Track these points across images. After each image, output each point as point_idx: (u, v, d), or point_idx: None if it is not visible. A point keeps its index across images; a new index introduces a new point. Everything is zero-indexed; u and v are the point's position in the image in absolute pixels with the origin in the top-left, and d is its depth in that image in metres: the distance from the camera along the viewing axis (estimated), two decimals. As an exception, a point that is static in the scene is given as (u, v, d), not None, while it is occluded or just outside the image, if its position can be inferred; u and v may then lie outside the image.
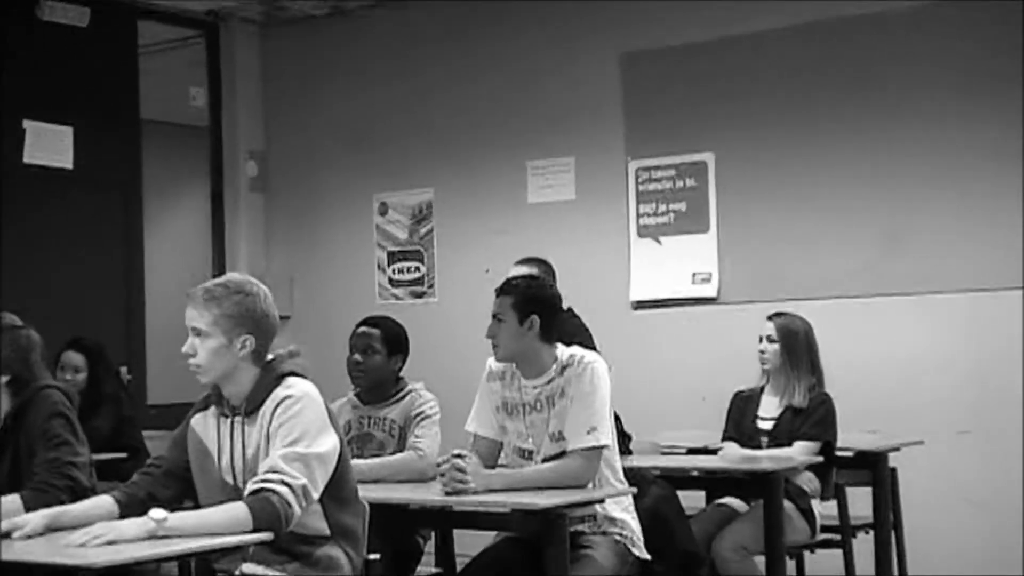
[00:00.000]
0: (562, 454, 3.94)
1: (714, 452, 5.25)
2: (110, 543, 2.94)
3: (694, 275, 6.80)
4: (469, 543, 4.29)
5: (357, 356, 4.63)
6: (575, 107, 7.24)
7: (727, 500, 5.15)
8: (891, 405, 6.15)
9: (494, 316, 4.06)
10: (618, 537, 3.99)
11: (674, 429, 5.81)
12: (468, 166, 7.57)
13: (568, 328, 5.10)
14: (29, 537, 3.09)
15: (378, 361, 4.62)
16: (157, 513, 3.04)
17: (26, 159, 7.27)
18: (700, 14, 6.82)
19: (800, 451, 4.99)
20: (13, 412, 3.59)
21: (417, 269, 7.80)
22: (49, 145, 7.35)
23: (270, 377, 3.31)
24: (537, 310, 4.00)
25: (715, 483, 5.10)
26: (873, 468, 5.32)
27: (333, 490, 3.27)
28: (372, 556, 3.42)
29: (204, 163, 8.47)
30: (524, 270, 5.37)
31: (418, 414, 4.55)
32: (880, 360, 6.29)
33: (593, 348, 4.68)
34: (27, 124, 7.27)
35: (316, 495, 3.20)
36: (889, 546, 5.39)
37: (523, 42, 7.44)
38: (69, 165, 7.43)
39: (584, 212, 7.03)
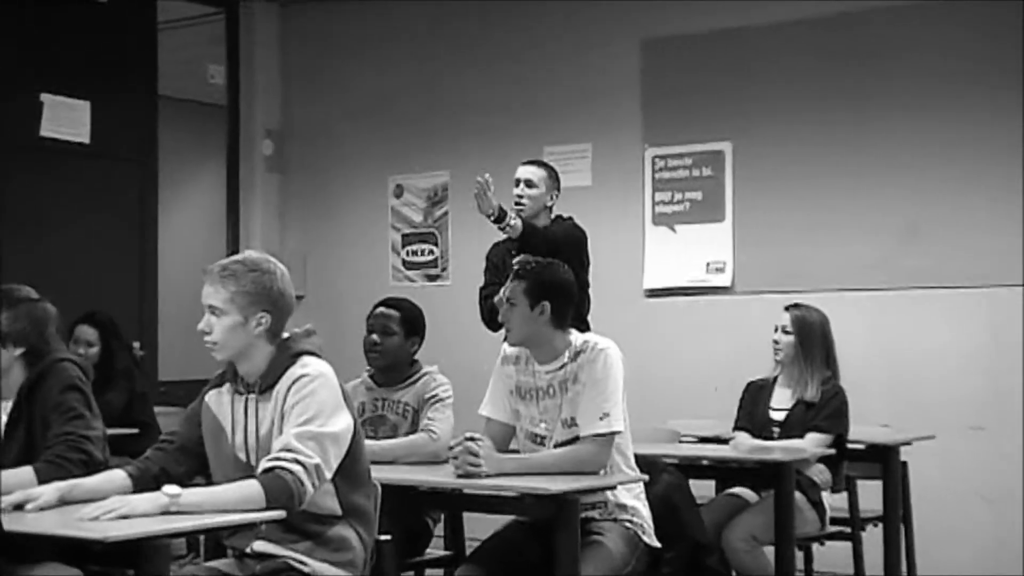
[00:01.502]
0: (574, 440, 3.94)
1: (725, 442, 5.24)
2: (123, 517, 2.95)
3: (708, 264, 6.79)
4: (479, 526, 4.29)
5: (374, 336, 4.63)
6: (593, 93, 7.23)
7: (737, 490, 5.14)
8: (904, 399, 6.15)
9: (507, 300, 4.05)
10: (628, 524, 3.99)
11: (686, 418, 5.80)
12: (485, 150, 7.56)
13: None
14: (42, 509, 3.10)
15: (395, 342, 4.62)
16: (170, 488, 3.05)
17: (43, 132, 7.28)
18: (722, 2, 6.80)
19: (812, 443, 4.97)
20: (28, 384, 3.60)
21: (431, 252, 7.80)
22: (66, 119, 7.36)
23: (285, 355, 3.31)
24: (549, 296, 3.99)
25: (726, 472, 5.09)
26: (884, 461, 5.31)
27: (346, 470, 3.27)
28: (383, 537, 3.42)
29: (221, 141, 8.48)
30: (533, 169, 5.43)
31: (432, 397, 4.56)
32: (894, 353, 6.28)
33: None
34: (45, 97, 7.27)
35: (329, 474, 3.21)
36: (898, 540, 5.39)
37: (543, 27, 7.42)
38: (86, 139, 7.44)
39: (600, 199, 7.02)
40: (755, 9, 6.69)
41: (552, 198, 5.49)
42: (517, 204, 5.42)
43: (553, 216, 5.51)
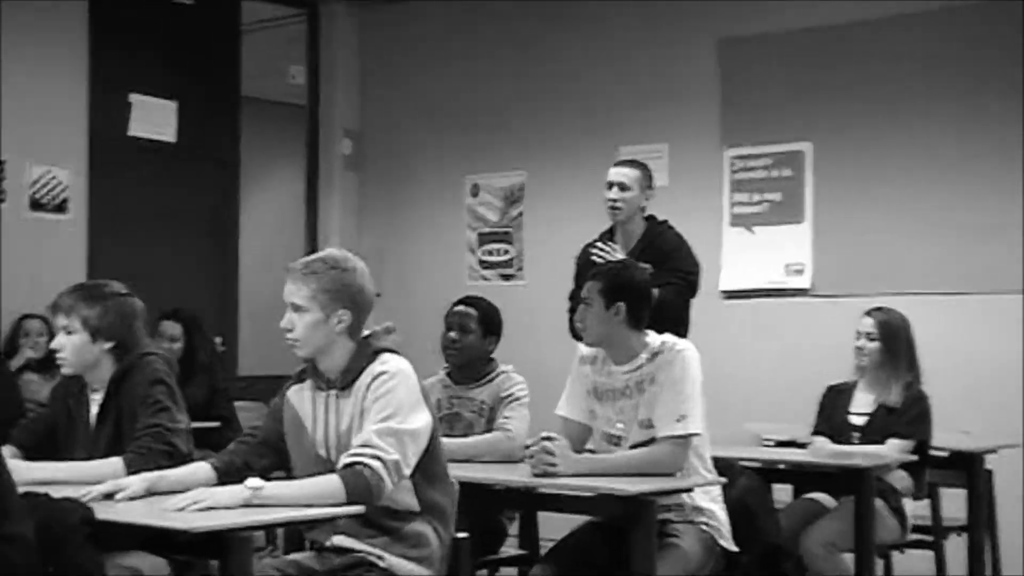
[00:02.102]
0: (651, 441, 3.93)
1: (803, 446, 5.20)
2: (207, 509, 3.00)
3: (787, 266, 6.75)
4: (554, 526, 4.30)
5: (452, 334, 4.67)
6: (670, 93, 7.21)
7: (816, 495, 5.09)
8: (987, 405, 6.05)
9: (583, 300, 4.06)
10: (704, 527, 3.97)
11: (763, 421, 5.77)
12: (561, 150, 7.58)
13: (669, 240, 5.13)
14: (130, 499, 3.17)
15: (473, 340, 4.66)
16: (253, 482, 3.09)
17: (131, 131, 7.41)
18: (800, 0, 6.75)
19: (893, 448, 4.91)
20: (116, 377, 3.67)
21: (507, 251, 7.82)
22: (153, 118, 7.49)
23: (365, 352, 3.34)
24: (624, 297, 3.99)
25: (804, 477, 5.05)
26: (968, 469, 5.21)
27: (424, 467, 3.30)
28: (460, 534, 3.44)
29: (301, 140, 8.57)
30: (626, 171, 5.38)
31: (508, 395, 4.58)
32: (977, 358, 6.19)
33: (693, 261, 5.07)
34: (133, 97, 7.41)
35: (408, 471, 3.23)
36: (983, 550, 5.29)
37: (620, 26, 7.42)
38: (172, 138, 7.57)
39: (677, 199, 6.97)
40: (834, 7, 6.63)
41: (647, 198, 5.42)
42: (612, 208, 5.36)
43: (646, 215, 5.45)
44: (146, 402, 3.58)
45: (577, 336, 5.31)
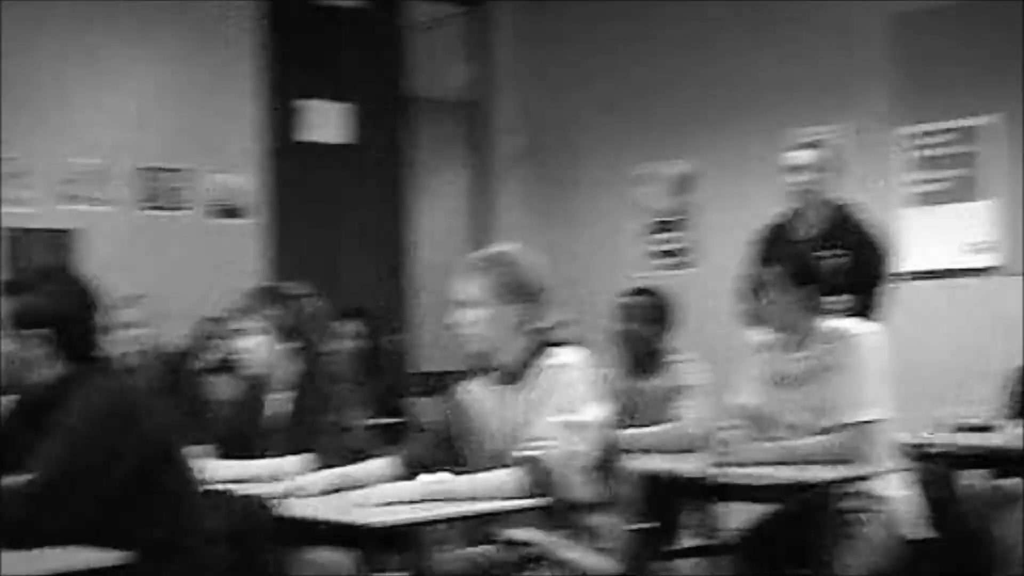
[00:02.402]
0: (832, 428, 3.86)
1: (993, 430, 5.03)
2: (387, 504, 3.04)
3: (970, 245, 6.53)
4: (734, 516, 4.25)
5: (626, 325, 4.65)
6: (842, 72, 7.04)
7: (1008, 480, 4.92)
8: None
9: (765, 286, 4.00)
10: (890, 515, 3.88)
11: (950, 405, 5.60)
12: (730, 136, 7.48)
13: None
14: (313, 496, 3.23)
15: (646, 331, 4.64)
16: (431, 477, 3.13)
17: (304, 135, 7.58)
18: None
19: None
20: (299, 377, 3.75)
21: (678, 240, 7.76)
22: (326, 121, 7.65)
23: (539, 346, 3.34)
24: (807, 280, 3.93)
25: (996, 462, 4.88)
26: None
27: (601, 458, 3.29)
28: (639, 525, 3.42)
29: (469, 137, 8.65)
30: (805, 154, 5.29)
31: (684, 385, 4.55)
32: None
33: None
34: (304, 102, 7.58)
35: (584, 463, 3.23)
36: None
37: (785, 8, 7.28)
38: (344, 141, 7.72)
39: (852, 180, 6.83)
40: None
41: (828, 181, 5.30)
42: (793, 193, 5.26)
43: (827, 197, 5.33)
44: (327, 400, 3.65)
45: (750, 321, 5.27)
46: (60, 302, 2.77)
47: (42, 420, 2.68)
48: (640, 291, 4.78)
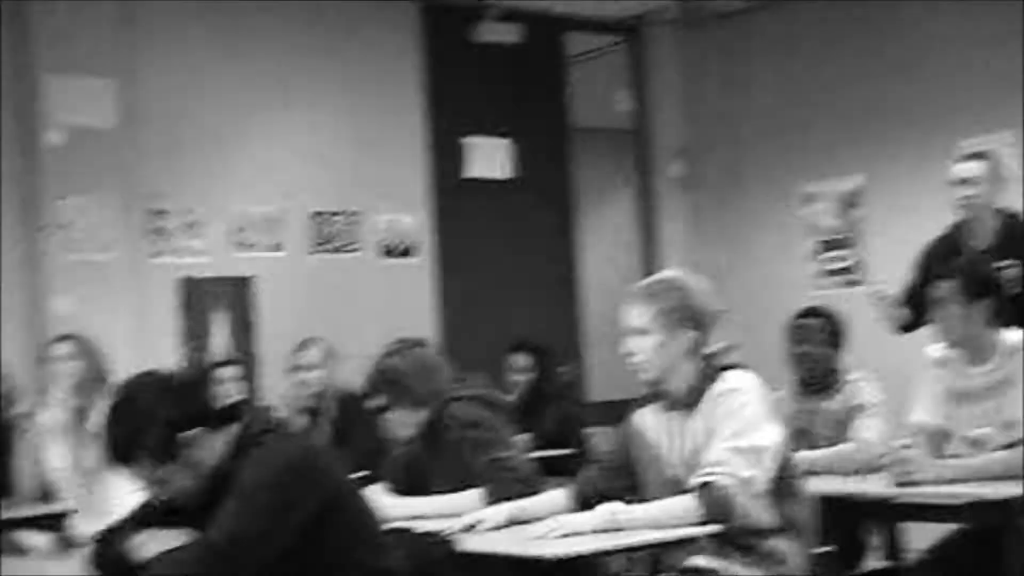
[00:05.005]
0: (1016, 443, 3.76)
1: None
2: (566, 535, 3.07)
3: None
4: (919, 536, 4.17)
5: (801, 346, 4.60)
6: (1009, 77, 6.86)
7: None
8: None
9: (938, 300, 3.93)
10: (1081, 531, 3.76)
11: None
12: (898, 149, 7.34)
13: None
14: (491, 530, 3.28)
15: (820, 351, 4.60)
16: (609, 506, 3.15)
17: (470, 173, 7.71)
18: None
19: None
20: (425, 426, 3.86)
21: (849, 257, 7.65)
22: (489, 158, 7.77)
23: (711, 370, 3.34)
24: (985, 293, 3.85)
25: None
26: None
27: (779, 482, 3.26)
28: (822, 549, 3.38)
29: (631, 165, 8.67)
30: (972, 165, 5.15)
31: (859, 404, 4.49)
32: None
33: None
34: (469, 140, 7.71)
35: (761, 487, 3.21)
36: None
37: (948, 15, 7.13)
38: (508, 176, 7.82)
39: (1022, 189, 6.66)
40: None
41: (997, 191, 5.16)
42: (962, 206, 5.15)
43: (997, 207, 5.21)
44: (468, 442, 3.70)
45: (906, 329, 5.18)
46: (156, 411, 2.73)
47: (217, 499, 2.71)
48: (811, 311, 4.74)
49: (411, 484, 3.94)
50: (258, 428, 2.79)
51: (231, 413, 2.80)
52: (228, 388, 6.08)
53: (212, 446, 2.75)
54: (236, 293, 6.89)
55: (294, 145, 7.18)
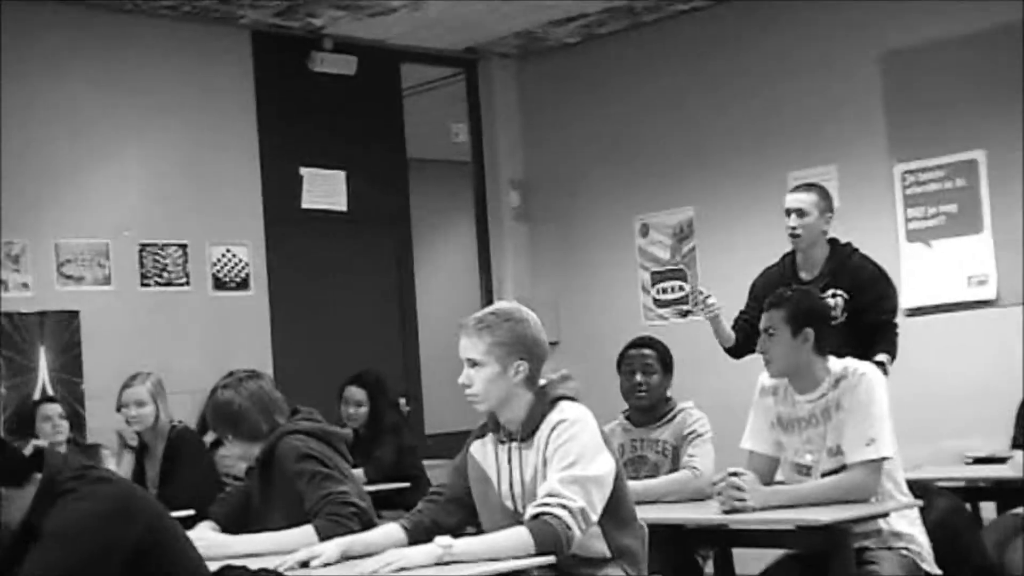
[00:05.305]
0: (842, 468, 3.86)
1: (1002, 460, 5.02)
2: (400, 569, 3.04)
3: (969, 278, 6.56)
4: (750, 562, 4.24)
5: (638, 377, 4.65)
6: (835, 113, 7.10)
7: (1019, 510, 4.91)
8: None
9: (765, 330, 4.01)
10: (905, 552, 3.87)
11: (957, 438, 5.59)
12: (728, 182, 7.52)
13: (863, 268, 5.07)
14: (325, 565, 3.23)
15: (657, 381, 4.65)
16: (443, 540, 3.13)
17: (304, 204, 7.63)
18: (963, 5, 6.59)
19: (1100, 458, 4.71)
20: (261, 458, 3.78)
21: (681, 288, 7.78)
22: (324, 189, 7.70)
23: (544, 402, 3.35)
24: (811, 322, 3.94)
25: (1006, 493, 4.88)
26: None
27: (612, 512, 3.29)
28: (654, 576, 3.42)
29: (468, 196, 8.70)
30: (803, 196, 5.29)
31: (690, 433, 4.55)
32: None
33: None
34: (304, 171, 7.64)
35: (595, 517, 3.23)
36: None
37: (777, 51, 7.35)
38: (343, 207, 7.77)
39: (850, 219, 6.85)
40: (1000, 8, 6.45)
41: (827, 222, 5.32)
42: (792, 236, 5.29)
43: (828, 238, 5.36)
44: (302, 477, 3.64)
45: (734, 350, 5.30)
46: None
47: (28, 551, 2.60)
48: (643, 341, 4.79)
49: (246, 519, 3.86)
50: (67, 474, 2.67)
51: (35, 463, 2.68)
52: (52, 426, 5.90)
53: (20, 501, 2.63)
54: (61, 327, 6.69)
55: (123, 174, 7.01)
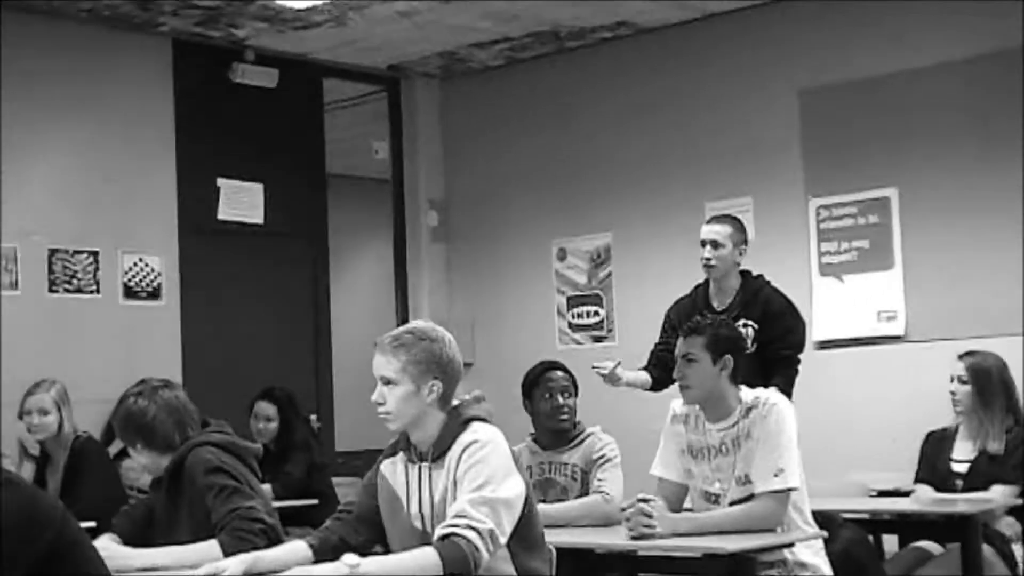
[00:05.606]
0: (749, 497, 3.89)
1: (907, 494, 5.10)
2: (309, 587, 3.01)
3: (879, 313, 6.66)
4: (657, 588, 4.26)
5: (560, 399, 4.65)
6: (752, 147, 7.19)
7: (922, 543, 4.99)
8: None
9: (683, 356, 4.03)
10: (810, 582, 3.91)
11: (862, 471, 5.67)
12: (645, 209, 7.58)
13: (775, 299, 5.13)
14: (232, 580, 3.18)
15: (573, 403, 4.66)
16: (350, 559, 3.09)
17: (220, 216, 7.56)
18: (879, 47, 6.72)
19: (999, 495, 4.80)
20: (171, 469, 3.71)
21: (596, 313, 7.82)
22: (241, 201, 7.64)
23: (456, 422, 3.34)
24: (730, 350, 3.97)
25: (909, 526, 4.95)
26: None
27: (520, 535, 3.27)
28: (560, 601, 3.41)
29: (387, 214, 8.67)
30: (718, 228, 5.33)
31: (600, 457, 4.55)
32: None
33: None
34: (221, 182, 7.56)
35: (504, 540, 3.21)
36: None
37: (697, 84, 7.43)
38: (260, 220, 7.70)
39: (764, 252, 6.93)
40: (914, 52, 6.59)
41: (741, 253, 5.39)
42: (707, 266, 5.34)
43: (740, 269, 5.42)
44: (212, 489, 3.59)
45: (656, 389, 5.31)
46: None
47: None
48: (554, 365, 4.80)
49: (150, 533, 3.79)
50: None
51: None
52: None
53: None
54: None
55: (33, 178, 6.89)
